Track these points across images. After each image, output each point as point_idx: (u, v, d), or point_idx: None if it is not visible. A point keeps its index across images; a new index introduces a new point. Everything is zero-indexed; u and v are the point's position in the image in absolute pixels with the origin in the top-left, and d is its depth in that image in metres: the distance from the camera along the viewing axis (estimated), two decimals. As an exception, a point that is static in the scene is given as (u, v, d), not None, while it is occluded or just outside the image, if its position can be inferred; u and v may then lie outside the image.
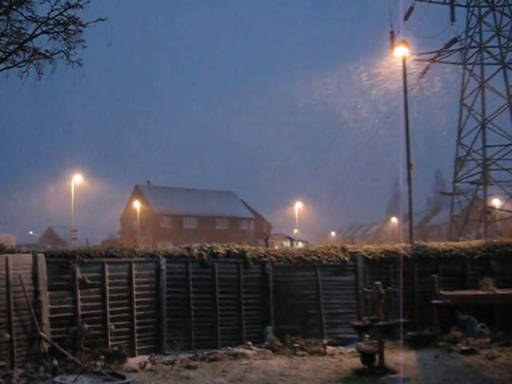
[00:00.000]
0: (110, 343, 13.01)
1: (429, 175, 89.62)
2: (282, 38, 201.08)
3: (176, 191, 77.26)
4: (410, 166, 19.64)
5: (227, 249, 15.08)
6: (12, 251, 12.85)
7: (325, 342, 14.03)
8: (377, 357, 11.73)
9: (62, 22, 13.12)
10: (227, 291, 14.83)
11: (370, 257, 15.90)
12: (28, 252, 12.94)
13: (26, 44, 13.31)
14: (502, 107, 37.03)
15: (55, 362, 11.29)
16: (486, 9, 38.06)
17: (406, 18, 37.41)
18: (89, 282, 13.19)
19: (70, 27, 13.21)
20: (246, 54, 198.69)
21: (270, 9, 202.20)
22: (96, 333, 12.94)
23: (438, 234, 68.61)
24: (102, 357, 11.99)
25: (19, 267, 12.19)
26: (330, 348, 13.93)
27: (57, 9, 12.95)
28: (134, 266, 13.87)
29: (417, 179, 21.78)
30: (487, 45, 37.83)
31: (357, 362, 12.24)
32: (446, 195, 45.03)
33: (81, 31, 13.26)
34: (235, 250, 15.11)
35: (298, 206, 75.37)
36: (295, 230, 68.61)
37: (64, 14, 13.01)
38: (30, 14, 13.04)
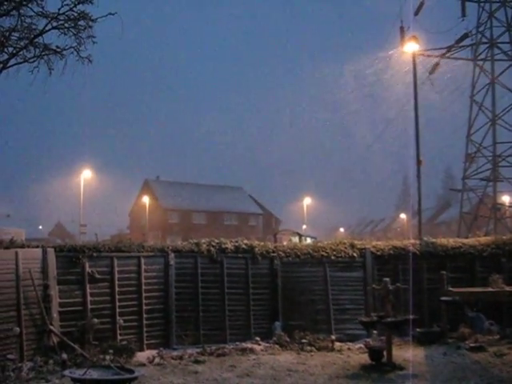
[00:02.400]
0: (119, 337, 13.08)
1: (438, 171, 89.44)
2: (289, 33, 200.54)
3: (185, 186, 77.41)
4: (419, 162, 19.57)
5: (236, 244, 15.11)
6: (22, 245, 12.92)
7: (333, 337, 14.03)
8: (385, 353, 11.74)
9: (72, 17, 13.17)
10: (235, 286, 14.87)
11: (378, 253, 15.88)
12: (37, 246, 13.01)
13: (36, 39, 13.38)
14: (513, 103, 36.80)
15: (64, 356, 11.36)
16: (497, 4, 37.79)
17: (416, 14, 37.31)
18: (98, 276, 13.26)
19: (80, 23, 13.26)
20: (254, 48, 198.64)
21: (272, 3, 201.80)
22: (105, 327, 13.02)
23: (447, 230, 68.18)
24: (111, 351, 12.03)
25: (29, 261, 12.28)
26: (338, 344, 13.93)
27: (67, 4, 13.02)
28: (142, 260, 13.93)
29: (426, 175, 21.75)
30: (498, 40, 37.58)
31: (365, 358, 12.25)
32: (456, 192, 44.94)
33: (91, 27, 13.31)
34: (244, 246, 15.14)
35: (307, 201, 75.33)
36: (304, 226, 68.62)
37: (74, 9, 13.07)
38: (41, 9, 13.12)
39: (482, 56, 38.26)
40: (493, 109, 36.68)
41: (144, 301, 13.78)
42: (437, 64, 38.36)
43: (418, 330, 13.98)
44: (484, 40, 38.05)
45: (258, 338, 14.23)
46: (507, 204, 40.53)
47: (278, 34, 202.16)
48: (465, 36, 37.35)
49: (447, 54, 38.64)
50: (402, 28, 27.98)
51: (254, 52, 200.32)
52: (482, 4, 38.36)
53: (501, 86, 36.95)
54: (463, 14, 37.51)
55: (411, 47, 21.60)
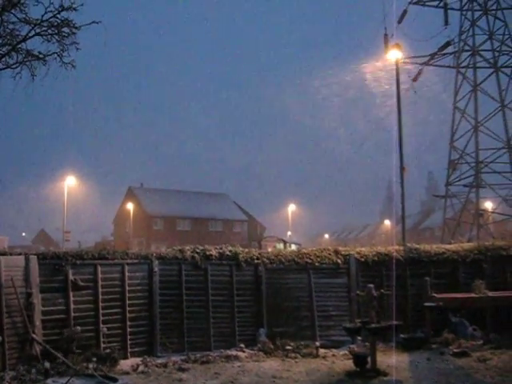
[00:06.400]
0: (103, 345, 12.97)
1: (422, 178, 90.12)
2: (274, 42, 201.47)
3: (169, 193, 77.13)
4: (402, 168, 19.69)
5: (220, 251, 15.07)
6: (4, 253, 12.82)
7: (317, 344, 14.03)
8: (369, 359, 11.77)
9: (55, 24, 13.13)
10: (220, 293, 14.81)
11: (362, 259, 15.92)
12: (20, 254, 12.89)
13: (19, 46, 13.31)
14: (495, 110, 37.20)
15: (47, 365, 11.24)
16: (479, 13, 38.24)
17: (399, 21, 37.63)
18: (81, 284, 13.15)
19: (63, 29, 13.22)
20: (239, 57, 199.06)
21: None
22: (88, 335, 12.91)
23: (430, 236, 68.79)
24: (94, 359, 11.93)
25: (11, 269, 12.15)
26: (322, 350, 13.93)
27: (50, 11, 12.99)
28: (126, 268, 13.85)
29: (410, 182, 21.88)
30: (480, 48, 37.99)
31: (349, 364, 12.27)
32: (439, 198, 45.17)
33: (74, 33, 13.28)
34: (228, 253, 15.10)
35: (292, 208, 75.46)
36: (288, 233, 68.77)
37: (57, 16, 13.04)
38: (24, 15, 13.06)
39: (465, 63, 38.67)
40: (475, 116, 37.05)
41: (128, 308, 13.69)
42: (420, 71, 38.69)
43: (402, 335, 14.04)
44: (466, 48, 38.47)
45: (242, 345, 14.19)
46: (490, 210, 40.85)
47: (267, 38, 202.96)
48: (447, 44, 37.75)
49: (430, 62, 38.98)
50: (385, 36, 28.20)
51: (241, 56, 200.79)
52: (464, 12, 38.81)
53: (483, 93, 37.34)
54: (446, 22, 37.90)
55: (394, 55, 21.73)
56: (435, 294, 14.98)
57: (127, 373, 11.69)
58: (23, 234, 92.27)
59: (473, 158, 37.14)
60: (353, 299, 15.08)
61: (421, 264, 16.17)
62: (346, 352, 13.65)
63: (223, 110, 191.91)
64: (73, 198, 53.87)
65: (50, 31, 13.17)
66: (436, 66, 39.37)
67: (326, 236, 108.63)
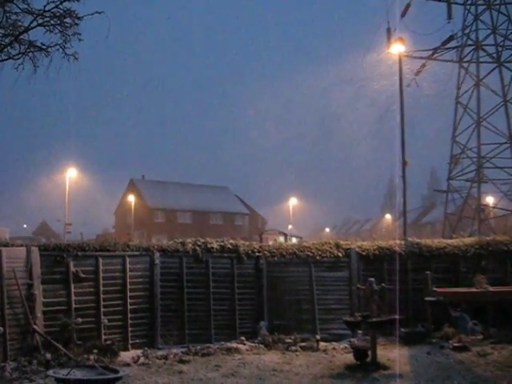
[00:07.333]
0: (103, 337, 13.01)
1: (423, 172, 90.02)
2: (279, 33, 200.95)
3: (171, 186, 77.19)
4: (404, 163, 19.66)
5: (221, 244, 15.09)
6: (6, 244, 12.83)
7: (318, 337, 14.05)
8: (369, 353, 11.78)
9: (57, 14, 13.09)
10: (221, 286, 14.84)
11: (363, 253, 15.93)
12: (22, 245, 12.91)
13: (21, 36, 13.29)
14: (497, 105, 37.07)
15: (48, 356, 11.27)
16: (483, 7, 38.01)
17: (402, 15, 37.45)
18: (82, 275, 13.17)
19: (66, 20, 13.18)
20: (241, 49, 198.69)
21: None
22: (89, 326, 12.95)
23: (431, 231, 68.74)
24: (95, 350, 11.97)
25: (13, 260, 12.16)
26: (322, 344, 13.96)
27: (53, 1, 12.94)
28: (128, 260, 13.86)
29: (411, 176, 21.84)
30: (483, 43, 37.81)
31: (349, 357, 12.28)
32: (440, 193, 45.06)
33: (77, 24, 13.24)
34: (229, 245, 15.12)
35: (293, 201, 75.44)
36: (289, 226, 68.72)
37: (60, 6, 13.00)
38: (26, 6, 13.02)
39: (468, 58, 38.49)
40: (478, 110, 36.89)
41: (129, 300, 13.72)
42: (423, 65, 38.53)
43: (402, 329, 14.04)
44: (469, 42, 38.27)
45: (243, 338, 14.22)
46: (491, 205, 40.81)
47: (271, 33, 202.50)
48: (450, 38, 37.54)
49: (433, 56, 38.80)
50: (388, 30, 28.16)
51: (241, 49, 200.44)
52: (467, 7, 38.59)
53: (486, 88, 37.20)
54: (449, 17, 37.70)
55: (397, 49, 21.69)
56: (436, 289, 14.98)
57: (128, 364, 11.71)
58: (24, 225, 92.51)
59: (475, 152, 37.01)
60: (353, 293, 15.09)
61: (422, 258, 16.18)
62: (347, 345, 13.67)
63: (224, 103, 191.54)
64: (74, 190, 53.92)
65: (52, 22, 13.13)
66: (439, 60, 39.21)
67: (327, 230, 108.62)
